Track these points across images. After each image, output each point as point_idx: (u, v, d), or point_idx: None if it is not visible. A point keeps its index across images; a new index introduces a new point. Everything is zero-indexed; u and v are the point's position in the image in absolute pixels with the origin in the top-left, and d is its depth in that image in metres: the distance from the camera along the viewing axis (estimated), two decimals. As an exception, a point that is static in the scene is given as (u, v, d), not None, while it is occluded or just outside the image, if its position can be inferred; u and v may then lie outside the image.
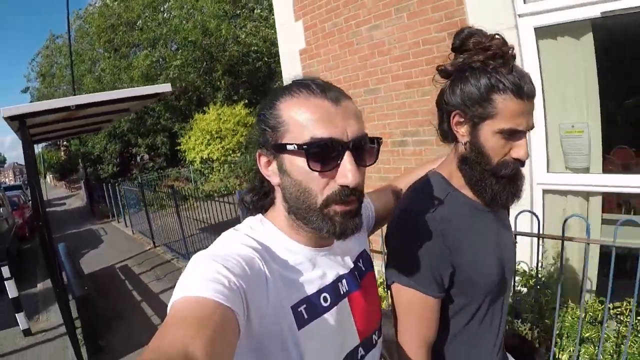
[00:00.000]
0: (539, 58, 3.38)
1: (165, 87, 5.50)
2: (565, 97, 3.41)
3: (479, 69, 1.18)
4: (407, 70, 4.06)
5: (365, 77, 4.51)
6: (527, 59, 3.38)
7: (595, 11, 2.99)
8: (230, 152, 16.80)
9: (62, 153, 30.81)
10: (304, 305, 0.95)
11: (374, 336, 1.14)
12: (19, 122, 4.46)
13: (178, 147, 18.75)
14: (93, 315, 5.10)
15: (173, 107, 21.56)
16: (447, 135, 1.31)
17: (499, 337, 1.38)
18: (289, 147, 0.89)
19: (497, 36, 1.17)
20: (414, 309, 1.23)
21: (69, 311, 4.83)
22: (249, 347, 0.85)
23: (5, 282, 5.38)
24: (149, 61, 20.76)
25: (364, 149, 0.93)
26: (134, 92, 5.62)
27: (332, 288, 1.02)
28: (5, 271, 5.37)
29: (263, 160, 0.99)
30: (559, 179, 3.38)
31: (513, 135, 1.16)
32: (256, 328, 0.84)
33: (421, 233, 1.20)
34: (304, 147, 0.87)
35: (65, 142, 27.34)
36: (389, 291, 1.31)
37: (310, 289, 0.98)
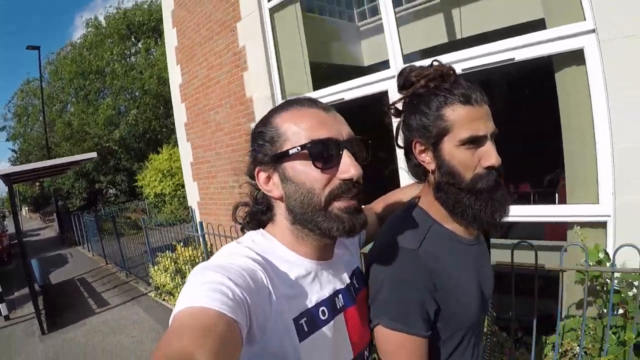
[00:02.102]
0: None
1: (93, 155, 8.52)
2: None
3: (424, 94, 1.20)
4: (233, 141, 6.62)
5: (214, 144, 7.09)
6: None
7: (335, 97, 4.83)
8: (180, 187, 18.09)
9: (37, 188, 31.95)
10: (305, 318, 0.96)
11: (365, 352, 1.15)
12: (6, 178, 7.17)
13: (135, 184, 20.43)
14: (52, 303, 7.64)
15: (132, 148, 23.81)
16: (418, 172, 1.30)
17: None
18: (291, 151, 0.94)
19: (434, 62, 1.21)
20: (403, 352, 1.15)
21: (36, 300, 7.28)
22: (251, 357, 0.86)
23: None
24: (110, 110, 23.25)
25: (358, 148, 1.01)
26: (77, 158, 9.04)
27: (330, 302, 1.04)
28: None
29: (262, 176, 1.02)
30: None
31: (475, 143, 1.14)
32: (258, 340, 0.86)
33: (407, 270, 1.16)
34: (307, 145, 0.93)
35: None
36: (372, 332, 1.20)
37: (310, 302, 0.99)
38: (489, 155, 1.13)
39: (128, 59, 26.13)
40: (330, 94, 4.97)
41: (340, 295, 1.08)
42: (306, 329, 0.96)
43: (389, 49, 4.20)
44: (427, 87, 1.19)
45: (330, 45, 6.43)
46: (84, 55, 25.65)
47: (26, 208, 49.67)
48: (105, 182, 24.37)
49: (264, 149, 1.00)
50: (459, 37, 5.61)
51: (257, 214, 1.11)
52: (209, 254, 5.69)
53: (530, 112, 5.63)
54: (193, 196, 8.06)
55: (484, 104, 1.16)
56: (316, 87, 5.42)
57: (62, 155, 22.02)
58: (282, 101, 1.07)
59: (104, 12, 29.49)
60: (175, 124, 8.28)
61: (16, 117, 30.61)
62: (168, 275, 6.97)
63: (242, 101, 6.25)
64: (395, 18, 4.19)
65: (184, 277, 6.76)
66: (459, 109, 1.13)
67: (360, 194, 1.00)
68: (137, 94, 24.69)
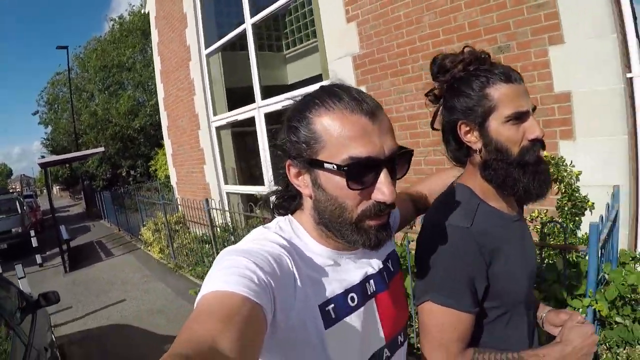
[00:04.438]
0: (219, 141, 8.56)
1: (100, 149, 11.62)
2: (229, 149, 8.81)
3: (464, 77, 1.21)
4: (191, 141, 9.46)
5: (182, 142, 10.04)
6: (215, 142, 8.59)
7: (232, 119, 8.31)
8: (188, 170, 20.75)
9: (67, 169, 33.60)
10: (332, 305, 0.94)
11: (399, 337, 1.12)
12: (42, 165, 10.49)
13: (150, 167, 22.91)
14: (74, 255, 10.88)
15: (150, 135, 26.17)
16: (458, 156, 1.32)
17: (532, 346, 1.34)
18: (327, 165, 0.86)
19: (466, 48, 1.23)
20: (449, 328, 1.16)
21: (63, 253, 10.45)
22: (275, 343, 0.85)
23: (32, 239, 11.01)
24: (131, 101, 25.92)
25: (399, 162, 0.91)
26: (91, 151, 12.26)
27: (360, 288, 1.01)
28: (32, 234, 11.11)
29: (293, 170, 0.96)
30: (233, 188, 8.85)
31: (519, 118, 1.15)
32: (282, 325, 0.84)
33: (458, 247, 1.16)
34: (344, 168, 0.84)
35: (68, 162, 30.62)
36: (417, 310, 1.23)
37: (338, 289, 0.96)
38: (534, 128, 1.15)
39: (146, 54, 28.03)
40: (225, 117, 7.96)
41: (371, 281, 1.05)
42: (333, 316, 0.93)
43: (254, 86, 6.99)
44: (465, 71, 1.21)
45: (250, 73, 8.45)
46: (107, 51, 27.81)
47: (57, 187, 52.59)
48: (126, 166, 27.00)
49: (297, 147, 0.91)
50: (292, 82, 8.35)
51: (287, 200, 1.07)
52: (167, 217, 8.73)
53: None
54: (173, 178, 11.13)
55: (522, 82, 1.18)
56: (231, 107, 8.21)
57: (88, 142, 25.29)
58: (323, 86, 0.95)
59: (129, 9, 31.74)
60: (162, 126, 11.36)
61: (48, 104, 32.89)
62: (150, 232, 10.04)
63: (194, 115, 9.17)
64: (257, 63, 7.08)
65: (160, 233, 9.75)
66: (501, 87, 1.15)
67: (392, 211, 0.95)
68: (154, 87, 26.65)
